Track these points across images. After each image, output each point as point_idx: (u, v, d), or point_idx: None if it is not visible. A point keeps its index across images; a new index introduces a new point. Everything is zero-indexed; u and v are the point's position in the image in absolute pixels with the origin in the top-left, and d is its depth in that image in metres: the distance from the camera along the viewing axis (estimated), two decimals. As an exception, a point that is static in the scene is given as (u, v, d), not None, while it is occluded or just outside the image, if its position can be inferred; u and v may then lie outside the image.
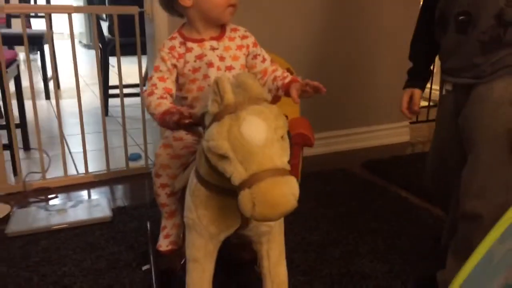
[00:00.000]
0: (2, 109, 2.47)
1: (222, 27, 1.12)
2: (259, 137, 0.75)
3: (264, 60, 1.15)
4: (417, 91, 1.30)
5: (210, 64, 1.09)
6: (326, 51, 2.31)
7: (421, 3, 1.34)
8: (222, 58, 1.10)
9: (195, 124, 0.93)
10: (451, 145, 1.24)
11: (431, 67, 1.37)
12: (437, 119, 1.35)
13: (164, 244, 1.22)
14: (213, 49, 1.10)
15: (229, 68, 1.11)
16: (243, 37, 1.13)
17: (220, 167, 0.78)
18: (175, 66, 1.09)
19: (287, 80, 1.09)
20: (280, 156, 0.77)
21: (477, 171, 1.10)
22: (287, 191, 0.74)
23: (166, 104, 1.01)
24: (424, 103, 3.02)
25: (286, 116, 0.89)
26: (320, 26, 2.26)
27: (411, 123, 2.71)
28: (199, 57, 1.09)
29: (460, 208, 1.13)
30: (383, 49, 2.43)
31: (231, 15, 1.10)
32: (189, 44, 1.09)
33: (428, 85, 1.39)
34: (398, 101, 2.67)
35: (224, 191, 0.91)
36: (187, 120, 0.92)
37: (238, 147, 0.75)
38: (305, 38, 2.23)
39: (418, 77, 1.33)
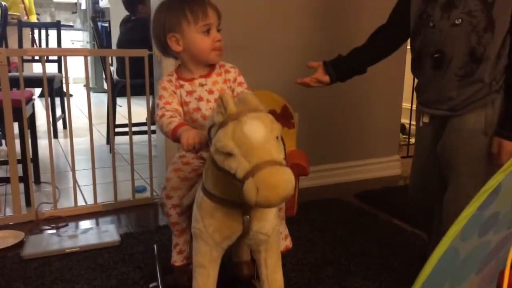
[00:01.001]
0: (4, 143, 2.63)
1: (211, 65, 1.29)
2: (259, 135, 0.89)
3: (238, 95, 1.26)
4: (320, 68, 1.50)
5: (200, 99, 1.26)
6: (321, 90, 2.48)
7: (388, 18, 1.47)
8: (210, 92, 1.27)
9: (205, 145, 1.08)
10: (431, 171, 1.36)
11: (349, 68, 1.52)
12: (416, 148, 1.47)
13: (179, 260, 1.33)
14: (201, 85, 1.27)
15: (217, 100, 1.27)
16: (227, 72, 1.29)
17: (226, 165, 0.91)
18: (174, 92, 1.26)
19: None
20: (277, 152, 0.90)
21: (457, 194, 1.24)
22: (285, 177, 0.86)
23: (176, 121, 1.16)
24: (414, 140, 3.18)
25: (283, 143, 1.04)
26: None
27: (402, 157, 2.85)
28: (190, 92, 1.26)
29: (443, 229, 1.25)
30: (375, 93, 2.60)
31: (218, 57, 1.27)
32: (181, 82, 1.27)
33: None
34: (388, 137, 2.85)
35: (227, 202, 1.05)
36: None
37: (241, 144, 0.88)
38: (299, 76, 2.41)
39: (335, 62, 1.48)
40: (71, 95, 3.65)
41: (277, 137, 0.92)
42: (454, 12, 1.19)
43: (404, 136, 3.28)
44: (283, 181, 0.86)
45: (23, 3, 5.10)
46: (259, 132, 0.89)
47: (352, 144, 2.62)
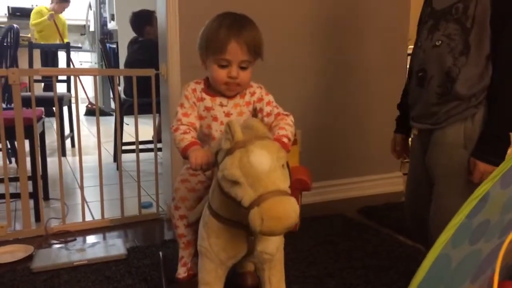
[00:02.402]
0: (14, 160, 2.70)
1: None
2: (265, 165, 0.92)
3: (267, 115, 1.27)
4: (398, 136, 1.55)
5: (214, 118, 1.26)
6: (323, 107, 2.54)
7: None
8: (228, 114, 1.26)
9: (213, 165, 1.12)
10: (422, 183, 1.42)
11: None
12: (410, 160, 1.54)
13: (182, 272, 1.37)
14: (221, 105, 1.26)
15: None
16: (252, 94, 1.29)
17: (232, 192, 0.95)
18: (195, 104, 1.26)
19: (273, 137, 1.19)
20: (282, 181, 0.94)
21: (438, 205, 1.30)
22: (289, 208, 0.90)
23: (188, 139, 1.18)
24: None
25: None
26: (318, 86, 2.50)
27: (404, 174, 2.88)
28: (208, 109, 1.27)
29: (431, 240, 1.29)
30: (377, 110, 2.65)
31: (229, 92, 1.24)
32: (204, 95, 1.27)
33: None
34: (390, 153, 2.88)
35: (233, 223, 1.08)
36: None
37: (248, 173, 0.92)
38: (301, 93, 2.47)
39: (400, 123, 1.56)
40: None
41: (283, 165, 0.96)
42: (436, 34, 1.29)
43: (406, 153, 3.31)
44: (286, 211, 0.89)
45: (57, 27, 5.29)
46: (265, 162, 0.92)
47: (354, 160, 2.66)
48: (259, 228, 0.89)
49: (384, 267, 1.70)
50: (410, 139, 1.56)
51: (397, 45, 2.67)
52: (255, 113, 1.29)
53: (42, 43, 5.23)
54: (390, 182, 2.78)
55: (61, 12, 5.51)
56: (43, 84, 4.95)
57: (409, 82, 1.48)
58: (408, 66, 1.57)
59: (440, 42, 1.27)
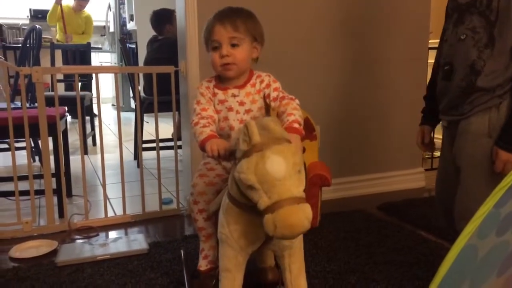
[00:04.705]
0: (38, 159, 2.76)
1: (248, 76, 1.34)
2: (280, 173, 0.94)
3: (274, 99, 1.31)
4: (426, 128, 1.53)
5: (230, 109, 1.32)
6: (343, 103, 2.52)
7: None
8: (242, 103, 1.32)
9: (230, 154, 1.14)
10: (450, 174, 1.42)
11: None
12: (441, 151, 1.53)
13: (203, 264, 1.38)
14: (234, 96, 1.32)
15: (248, 111, 1.32)
16: (262, 82, 1.35)
17: (248, 195, 0.97)
18: (211, 99, 1.32)
19: (285, 126, 1.21)
20: (297, 186, 0.96)
21: (462, 194, 1.30)
22: (302, 216, 0.92)
23: (206, 132, 1.22)
24: (438, 153, 3.17)
25: (304, 148, 1.09)
26: (339, 82, 2.48)
27: (426, 170, 2.85)
28: (221, 102, 1.33)
29: (456, 229, 1.28)
30: (397, 105, 2.63)
31: (226, 72, 1.30)
32: (216, 90, 1.33)
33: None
34: (412, 149, 2.83)
35: (252, 209, 1.08)
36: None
37: (263, 180, 0.94)
38: (320, 90, 2.46)
39: (427, 115, 1.55)
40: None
41: (299, 171, 0.97)
42: (460, 27, 1.30)
43: (428, 149, 3.26)
44: (299, 220, 0.92)
45: (62, 14, 5.35)
46: (281, 169, 0.94)
47: (375, 156, 2.64)
48: (272, 233, 0.93)
49: (407, 263, 1.67)
50: (432, 131, 1.55)
51: (418, 38, 2.63)
52: (264, 98, 1.34)
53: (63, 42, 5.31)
54: (411, 179, 2.74)
55: (79, 10, 5.57)
56: (64, 84, 5.04)
57: (436, 75, 1.47)
58: (434, 60, 1.55)
59: (464, 36, 1.29)
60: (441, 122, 1.47)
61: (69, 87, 5.05)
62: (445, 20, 1.43)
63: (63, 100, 3.36)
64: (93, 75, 2.49)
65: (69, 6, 5.54)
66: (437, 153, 3.14)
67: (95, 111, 2.93)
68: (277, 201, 0.92)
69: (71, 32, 5.43)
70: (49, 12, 5.46)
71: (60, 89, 5.02)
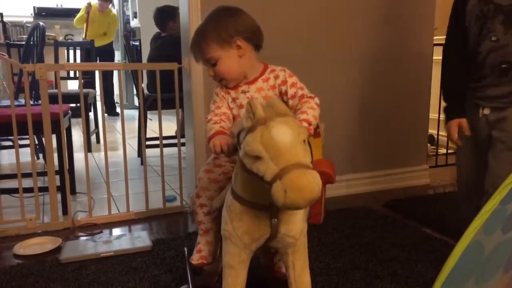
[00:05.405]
0: (42, 156, 2.77)
1: (261, 71, 1.32)
2: (286, 139, 0.92)
3: (292, 97, 1.26)
4: (463, 120, 1.57)
5: (240, 106, 1.30)
6: (348, 100, 2.51)
7: (442, 59, 1.65)
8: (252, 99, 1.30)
9: (234, 149, 1.13)
10: (485, 154, 1.52)
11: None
12: (471, 136, 1.57)
13: (195, 258, 1.38)
14: (244, 92, 1.31)
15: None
16: (276, 77, 1.30)
17: (255, 168, 0.95)
18: (224, 97, 1.32)
19: None
20: (303, 155, 0.93)
21: (492, 176, 1.45)
22: (312, 180, 0.89)
23: (215, 128, 1.21)
24: (443, 150, 3.15)
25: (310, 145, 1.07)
26: (343, 79, 2.47)
27: (431, 167, 2.83)
28: (234, 100, 1.32)
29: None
30: (402, 103, 2.62)
31: (227, 84, 1.31)
32: (228, 90, 1.33)
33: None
34: (416, 146, 2.82)
35: (255, 205, 1.08)
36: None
37: (269, 147, 0.92)
38: (326, 86, 2.44)
39: (460, 109, 1.59)
40: (117, 113, 3.79)
41: (304, 141, 0.96)
42: None
43: (433, 147, 3.24)
44: (310, 183, 0.88)
45: (87, 19, 5.50)
46: (286, 136, 0.93)
47: (379, 153, 2.62)
48: (283, 200, 0.89)
49: (411, 260, 1.66)
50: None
51: (423, 34, 2.61)
52: (281, 96, 1.29)
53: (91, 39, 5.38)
54: (416, 176, 2.72)
55: (101, 11, 5.62)
56: (68, 82, 5.05)
57: (475, 72, 1.52)
58: (451, 54, 1.61)
59: None
60: (480, 110, 1.53)
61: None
62: (477, 19, 1.47)
63: (67, 98, 3.38)
64: (97, 72, 2.48)
65: (95, 6, 5.64)
66: (442, 150, 3.14)
67: (99, 109, 2.93)
68: (285, 166, 0.90)
69: (92, 33, 5.52)
70: (78, 16, 5.67)
71: (65, 86, 5.03)
